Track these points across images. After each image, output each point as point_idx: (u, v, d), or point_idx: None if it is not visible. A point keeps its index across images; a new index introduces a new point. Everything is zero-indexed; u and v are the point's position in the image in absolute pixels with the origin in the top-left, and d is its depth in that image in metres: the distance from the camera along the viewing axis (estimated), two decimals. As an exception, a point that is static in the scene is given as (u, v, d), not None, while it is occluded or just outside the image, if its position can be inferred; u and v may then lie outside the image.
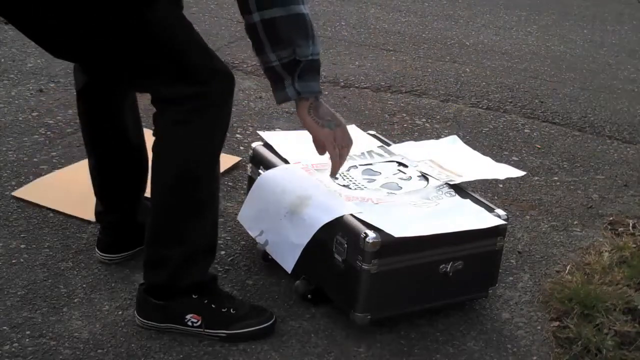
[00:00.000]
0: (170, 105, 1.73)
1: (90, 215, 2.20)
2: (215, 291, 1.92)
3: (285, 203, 1.99)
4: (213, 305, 1.87)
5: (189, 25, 1.76)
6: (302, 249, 1.92)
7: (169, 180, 1.78)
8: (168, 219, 1.81)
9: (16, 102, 3.13)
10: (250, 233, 2.10)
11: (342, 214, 1.91)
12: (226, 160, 2.73)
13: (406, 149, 2.33)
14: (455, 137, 2.50)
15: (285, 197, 2.01)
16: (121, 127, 2.02)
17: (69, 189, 2.45)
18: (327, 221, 1.90)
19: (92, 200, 2.13)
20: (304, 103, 1.79)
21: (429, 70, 4.18)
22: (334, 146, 1.87)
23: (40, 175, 2.55)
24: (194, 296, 1.87)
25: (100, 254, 2.12)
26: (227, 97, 1.77)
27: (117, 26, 1.63)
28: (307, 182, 2.05)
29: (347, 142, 1.89)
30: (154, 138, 1.79)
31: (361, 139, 2.33)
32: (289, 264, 1.95)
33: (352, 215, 1.90)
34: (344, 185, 2.06)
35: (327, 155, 2.22)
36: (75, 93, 2.02)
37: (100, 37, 1.64)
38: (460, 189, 2.11)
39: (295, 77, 1.74)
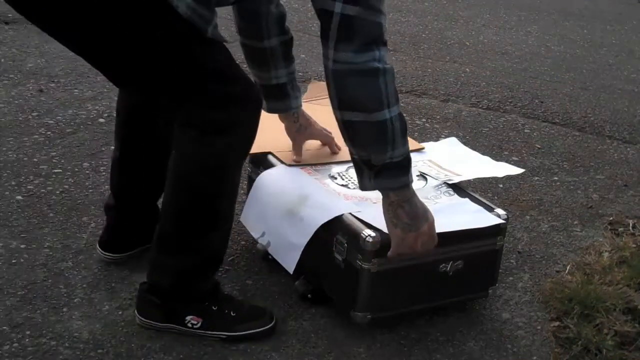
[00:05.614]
0: (191, 127, 1.71)
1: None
2: (216, 294, 1.92)
3: (285, 203, 2.00)
4: (214, 308, 1.87)
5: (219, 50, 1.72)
6: (302, 248, 1.92)
7: (182, 195, 1.77)
8: (179, 230, 1.81)
9: (16, 102, 3.13)
10: (252, 234, 2.10)
11: (341, 213, 1.91)
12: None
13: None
14: (454, 138, 2.50)
15: (284, 197, 2.01)
16: (155, 134, 2.01)
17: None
18: (325, 220, 1.90)
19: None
20: (385, 199, 1.78)
21: (429, 70, 4.18)
22: (401, 247, 1.82)
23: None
24: None
25: (102, 252, 2.12)
26: (248, 120, 1.75)
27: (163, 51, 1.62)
28: (306, 181, 2.05)
29: (418, 248, 1.82)
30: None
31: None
32: (290, 265, 1.95)
33: (351, 214, 1.90)
34: (342, 185, 2.06)
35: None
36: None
37: (150, 60, 1.63)
38: (459, 189, 2.11)
39: (372, 173, 1.75)
